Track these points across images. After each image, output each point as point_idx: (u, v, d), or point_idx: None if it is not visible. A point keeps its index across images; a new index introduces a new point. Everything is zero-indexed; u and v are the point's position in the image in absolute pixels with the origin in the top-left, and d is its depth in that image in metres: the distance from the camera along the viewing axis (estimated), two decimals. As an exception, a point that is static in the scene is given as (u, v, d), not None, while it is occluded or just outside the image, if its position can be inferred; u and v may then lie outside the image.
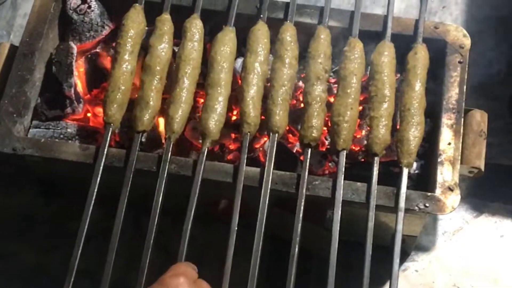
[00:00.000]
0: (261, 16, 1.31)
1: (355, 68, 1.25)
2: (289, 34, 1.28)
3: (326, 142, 1.34)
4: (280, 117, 1.22)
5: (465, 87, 1.29)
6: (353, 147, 1.32)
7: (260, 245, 1.14)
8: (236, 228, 1.14)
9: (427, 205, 1.19)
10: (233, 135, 1.34)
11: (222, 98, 1.24)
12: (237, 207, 1.16)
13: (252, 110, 1.23)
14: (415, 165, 1.29)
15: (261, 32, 1.28)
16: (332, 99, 1.28)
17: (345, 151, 1.21)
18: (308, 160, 1.20)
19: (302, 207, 1.17)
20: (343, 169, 1.20)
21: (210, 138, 1.22)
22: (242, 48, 1.31)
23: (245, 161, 1.20)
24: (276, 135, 1.22)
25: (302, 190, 1.18)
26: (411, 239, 1.35)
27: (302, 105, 1.27)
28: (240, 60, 1.34)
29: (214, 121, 1.22)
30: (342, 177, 1.19)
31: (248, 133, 1.22)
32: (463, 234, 1.45)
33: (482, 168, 1.27)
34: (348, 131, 1.22)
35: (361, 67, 1.26)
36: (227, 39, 1.28)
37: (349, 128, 1.22)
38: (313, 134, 1.21)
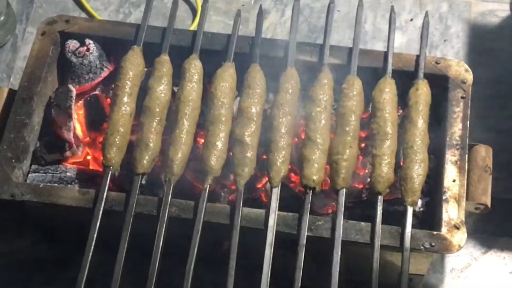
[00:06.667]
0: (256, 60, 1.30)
1: (353, 105, 1.24)
2: (288, 83, 1.27)
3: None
4: (280, 166, 1.21)
5: (468, 122, 1.27)
6: (357, 185, 1.30)
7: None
8: (234, 270, 1.14)
9: (433, 244, 1.17)
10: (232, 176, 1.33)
11: (223, 134, 1.23)
12: (234, 250, 1.16)
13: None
14: (420, 202, 1.26)
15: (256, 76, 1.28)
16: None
17: (344, 190, 1.19)
18: (309, 203, 1.19)
19: (303, 249, 1.15)
20: (343, 209, 1.18)
21: (212, 174, 1.21)
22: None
23: (241, 205, 1.19)
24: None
25: (303, 232, 1.16)
26: (418, 277, 1.32)
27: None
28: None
29: (215, 158, 1.21)
30: (342, 217, 1.17)
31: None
32: (471, 271, 1.42)
33: (489, 204, 1.25)
34: (347, 169, 1.20)
35: (360, 105, 1.25)
36: (227, 75, 1.28)
37: (348, 167, 1.20)
38: (313, 176, 1.20)
